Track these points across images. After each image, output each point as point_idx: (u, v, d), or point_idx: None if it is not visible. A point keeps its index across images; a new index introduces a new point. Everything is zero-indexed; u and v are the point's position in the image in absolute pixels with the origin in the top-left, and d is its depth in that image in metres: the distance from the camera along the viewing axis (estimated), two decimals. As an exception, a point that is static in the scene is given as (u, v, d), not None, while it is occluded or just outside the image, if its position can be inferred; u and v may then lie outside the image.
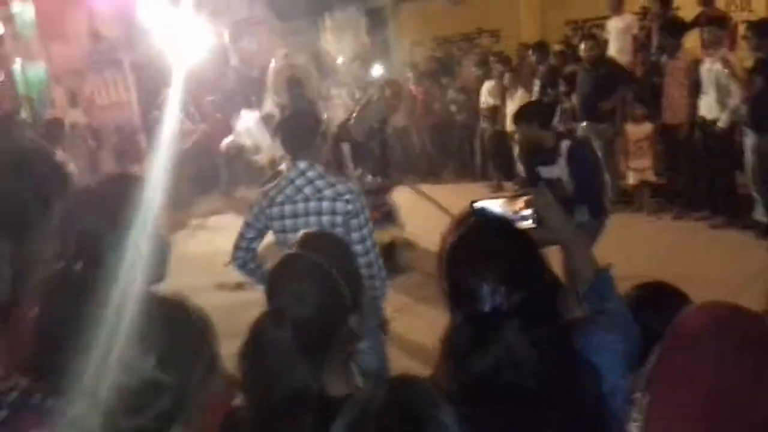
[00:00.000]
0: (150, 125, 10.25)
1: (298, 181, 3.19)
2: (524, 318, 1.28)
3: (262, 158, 9.48)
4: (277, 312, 1.49)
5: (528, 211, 1.55)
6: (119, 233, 1.67)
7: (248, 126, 10.15)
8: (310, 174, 3.19)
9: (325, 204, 3.15)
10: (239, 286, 6.64)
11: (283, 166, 7.77)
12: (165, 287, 1.81)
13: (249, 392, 1.49)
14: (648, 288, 1.98)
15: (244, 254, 3.32)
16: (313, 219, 3.15)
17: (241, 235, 3.31)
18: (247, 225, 3.32)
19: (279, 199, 3.20)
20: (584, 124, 7.45)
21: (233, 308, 5.64)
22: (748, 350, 1.12)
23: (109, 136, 11.16)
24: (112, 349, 1.26)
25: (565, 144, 4.49)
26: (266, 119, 9.55)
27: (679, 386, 1.15)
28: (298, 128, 3.33)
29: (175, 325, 1.29)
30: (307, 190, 3.17)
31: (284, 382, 1.43)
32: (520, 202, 1.57)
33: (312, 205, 3.16)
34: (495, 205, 1.60)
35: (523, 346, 1.26)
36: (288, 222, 3.17)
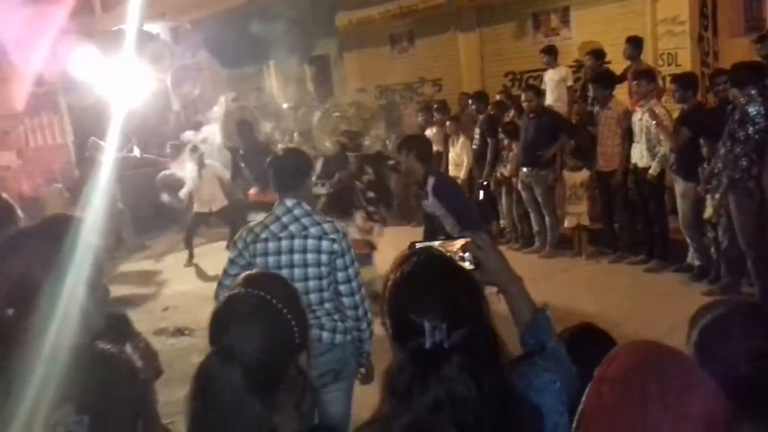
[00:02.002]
0: (85, 167, 10.06)
1: (285, 219, 3.16)
2: (465, 355, 1.28)
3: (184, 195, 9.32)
4: (225, 350, 1.43)
5: (466, 254, 1.57)
6: (54, 279, 1.59)
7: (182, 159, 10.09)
8: (297, 212, 3.17)
9: (311, 242, 3.11)
10: (179, 331, 6.48)
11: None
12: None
13: None
14: (575, 331, 2.03)
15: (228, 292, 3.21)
16: (297, 257, 3.11)
17: (225, 272, 3.20)
18: (231, 261, 3.22)
19: (264, 235, 3.15)
20: (525, 169, 7.65)
21: (172, 354, 5.49)
22: (671, 390, 1.14)
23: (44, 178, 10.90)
24: (39, 403, 1.19)
25: (431, 181, 4.49)
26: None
27: (607, 426, 1.17)
28: (290, 167, 3.29)
29: (113, 386, 1.22)
30: (293, 228, 3.14)
31: (236, 425, 1.37)
32: (458, 245, 1.59)
33: (297, 242, 3.12)
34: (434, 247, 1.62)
35: (464, 383, 1.26)
36: (271, 259, 3.12)
